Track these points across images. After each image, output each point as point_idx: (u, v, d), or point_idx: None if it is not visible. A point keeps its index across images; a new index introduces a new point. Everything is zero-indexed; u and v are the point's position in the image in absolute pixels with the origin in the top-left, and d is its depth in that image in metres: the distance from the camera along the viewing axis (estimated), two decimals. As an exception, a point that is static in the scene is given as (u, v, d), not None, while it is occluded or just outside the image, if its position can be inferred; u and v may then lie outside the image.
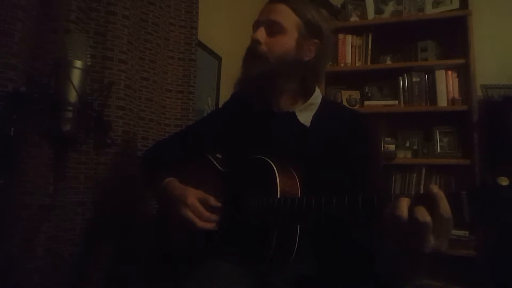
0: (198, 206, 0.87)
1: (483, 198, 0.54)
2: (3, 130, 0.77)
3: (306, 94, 0.98)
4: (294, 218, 0.75)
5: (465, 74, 2.22)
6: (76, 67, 0.87)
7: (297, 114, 0.95)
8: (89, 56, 0.92)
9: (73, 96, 0.86)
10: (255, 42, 0.93)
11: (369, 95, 2.49)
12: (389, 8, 2.50)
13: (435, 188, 0.56)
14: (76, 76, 0.87)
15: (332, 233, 0.81)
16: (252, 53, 0.94)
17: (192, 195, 0.88)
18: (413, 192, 2.25)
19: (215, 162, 0.99)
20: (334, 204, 0.68)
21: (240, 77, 0.97)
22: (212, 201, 0.88)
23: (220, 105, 1.26)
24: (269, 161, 0.81)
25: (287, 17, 0.92)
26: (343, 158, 0.87)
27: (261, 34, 0.93)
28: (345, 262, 0.83)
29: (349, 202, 0.66)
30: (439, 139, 2.31)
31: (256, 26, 0.96)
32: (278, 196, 0.77)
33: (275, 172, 0.79)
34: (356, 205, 0.65)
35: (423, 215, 0.55)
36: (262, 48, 0.92)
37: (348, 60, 2.50)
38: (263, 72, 0.91)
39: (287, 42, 0.92)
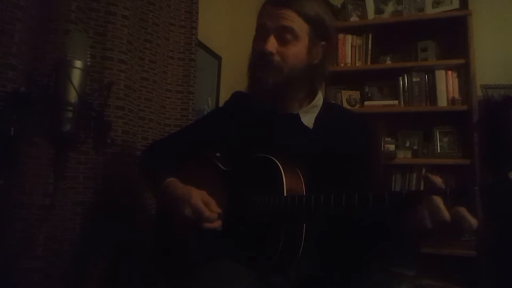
0: (201, 206, 0.86)
1: (495, 192, 0.56)
2: (3, 130, 0.77)
3: (311, 96, 0.98)
4: (302, 216, 0.76)
5: (465, 74, 2.22)
6: (76, 67, 0.87)
7: (301, 116, 0.95)
8: (89, 56, 0.92)
9: (73, 96, 0.86)
10: (267, 54, 0.88)
11: (369, 95, 2.49)
12: (389, 8, 2.50)
13: None
14: (76, 76, 0.87)
15: (337, 231, 0.82)
16: (266, 64, 0.90)
17: (196, 196, 0.88)
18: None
19: (216, 161, 0.99)
20: (343, 201, 0.69)
21: (253, 86, 0.94)
22: (214, 206, 0.87)
23: (220, 105, 1.26)
24: (275, 159, 0.81)
25: (298, 23, 0.88)
26: (344, 159, 0.87)
27: (273, 44, 0.88)
28: (349, 260, 0.84)
29: (359, 199, 0.67)
30: (439, 139, 2.31)
31: (263, 33, 0.90)
32: (285, 194, 0.78)
33: (281, 170, 0.80)
34: (367, 202, 0.66)
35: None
36: (276, 59, 0.89)
37: (348, 60, 2.49)
38: (278, 83, 0.90)
39: (300, 50, 0.89)
